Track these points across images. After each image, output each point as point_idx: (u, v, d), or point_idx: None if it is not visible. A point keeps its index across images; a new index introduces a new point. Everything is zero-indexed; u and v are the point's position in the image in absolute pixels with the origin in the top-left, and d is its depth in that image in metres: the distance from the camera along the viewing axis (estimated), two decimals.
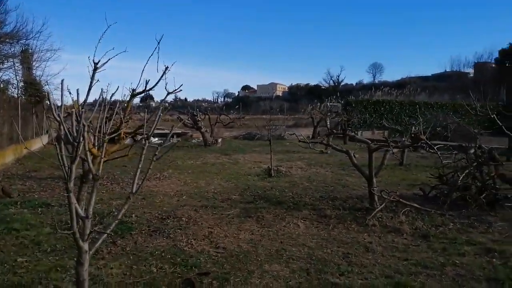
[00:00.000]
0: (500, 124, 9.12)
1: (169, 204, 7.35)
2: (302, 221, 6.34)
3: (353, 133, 13.68)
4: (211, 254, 4.81)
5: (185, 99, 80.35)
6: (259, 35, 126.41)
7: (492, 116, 9.05)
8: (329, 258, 4.75)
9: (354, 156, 7.26)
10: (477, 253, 4.85)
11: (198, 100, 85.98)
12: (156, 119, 2.99)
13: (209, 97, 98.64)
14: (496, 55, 48.11)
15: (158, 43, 3.97)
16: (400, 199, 6.88)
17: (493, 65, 50.63)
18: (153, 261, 4.53)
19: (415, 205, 6.98)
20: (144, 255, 4.72)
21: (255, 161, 13.57)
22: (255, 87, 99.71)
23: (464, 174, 7.15)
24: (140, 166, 2.79)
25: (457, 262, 4.58)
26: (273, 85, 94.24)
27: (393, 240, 5.44)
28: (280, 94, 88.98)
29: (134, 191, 2.84)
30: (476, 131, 9.35)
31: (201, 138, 19.00)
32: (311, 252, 4.95)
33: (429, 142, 6.49)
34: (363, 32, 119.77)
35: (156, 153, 2.87)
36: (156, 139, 15.40)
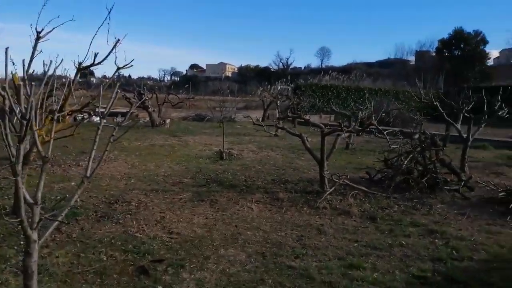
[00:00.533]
0: (442, 111, 9.71)
1: (117, 187, 7.03)
2: (256, 204, 6.35)
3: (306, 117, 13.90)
4: (164, 240, 4.66)
5: (129, 76, 76.96)
6: (208, 16, 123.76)
7: (435, 103, 9.61)
8: (283, 241, 4.80)
9: (307, 140, 7.36)
10: (421, 234, 5.14)
11: (143, 78, 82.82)
12: (113, 96, 2.76)
13: (155, 75, 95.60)
14: (436, 44, 51.01)
15: (109, 12, 3.67)
16: (349, 182, 7.12)
17: (433, 54, 53.60)
18: (102, 249, 4.30)
19: (363, 188, 7.25)
20: (92, 243, 4.47)
21: (205, 143, 13.38)
22: (204, 67, 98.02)
23: (408, 159, 7.52)
24: (94, 147, 2.58)
25: (404, 243, 4.82)
26: (222, 65, 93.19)
27: (343, 222, 5.61)
28: (230, 75, 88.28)
29: (88, 174, 2.63)
30: (419, 117, 9.86)
31: (148, 118, 18.36)
32: (266, 236, 4.97)
33: (379, 127, 6.72)
34: (312, 16, 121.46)
35: (114, 133, 2.66)
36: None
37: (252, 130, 17.02)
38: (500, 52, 62.25)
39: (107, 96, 3.95)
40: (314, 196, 6.81)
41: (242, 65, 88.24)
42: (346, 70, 49.80)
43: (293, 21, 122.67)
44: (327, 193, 6.61)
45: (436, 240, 4.91)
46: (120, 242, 4.52)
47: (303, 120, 8.62)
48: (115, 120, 15.95)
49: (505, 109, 9.24)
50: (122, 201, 6.10)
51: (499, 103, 9.14)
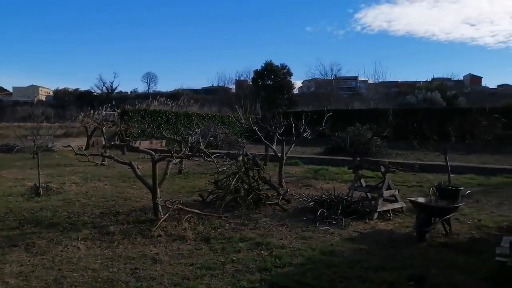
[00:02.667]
0: (259, 134, 10.88)
1: None
2: (83, 242, 5.81)
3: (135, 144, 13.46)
4: None
5: None
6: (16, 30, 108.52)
7: (254, 128, 10.70)
8: (116, 277, 4.53)
9: (138, 168, 7.18)
10: (249, 248, 5.59)
11: None
12: None
13: None
14: (252, 74, 56.82)
15: None
16: (183, 207, 7.23)
17: (250, 83, 59.45)
18: None
19: (196, 210, 7.46)
20: None
21: (16, 178, 11.56)
22: (11, 89, 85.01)
23: (235, 179, 8.12)
24: None
25: (235, 258, 5.15)
26: (34, 88, 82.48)
27: (178, 248, 5.65)
28: (44, 99, 78.78)
29: None
30: (241, 140, 10.81)
31: None
32: (95, 275, 4.60)
33: (206, 151, 7.08)
34: (138, 40, 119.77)
35: None
36: None
37: (74, 160, 15.49)
38: (302, 83, 73.91)
39: None
40: (148, 225, 6.65)
41: (59, 88, 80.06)
42: (174, 95, 50.59)
43: (115, 44, 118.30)
44: (162, 220, 6.55)
45: (262, 252, 5.42)
46: None
47: (132, 147, 8.38)
48: None
49: (308, 131, 10.97)
50: None
51: (303, 126, 10.80)
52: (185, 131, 15.70)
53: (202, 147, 6.99)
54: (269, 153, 14.42)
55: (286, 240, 5.98)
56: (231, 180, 8.52)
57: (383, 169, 7.47)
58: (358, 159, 9.50)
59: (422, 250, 5.56)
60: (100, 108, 24.80)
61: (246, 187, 8.38)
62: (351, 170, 8.27)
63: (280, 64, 53.49)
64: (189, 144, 8.90)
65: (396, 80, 66.81)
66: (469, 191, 7.27)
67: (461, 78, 76.97)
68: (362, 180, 8.05)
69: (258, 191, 8.18)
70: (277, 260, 5.07)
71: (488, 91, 67.74)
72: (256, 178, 8.49)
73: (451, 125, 10.17)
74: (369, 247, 5.66)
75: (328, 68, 73.63)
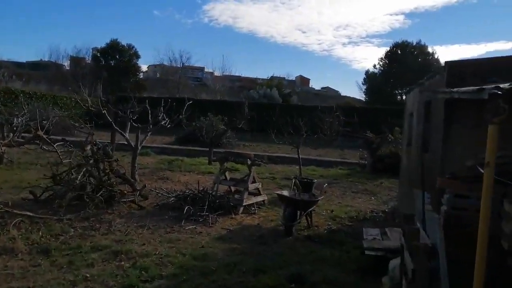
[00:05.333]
0: (110, 119, 9.51)
1: None
2: None
3: None
4: None
5: None
6: None
7: (104, 111, 9.27)
8: None
9: None
10: (105, 259, 4.60)
11: None
12: None
13: None
14: (93, 52, 51.29)
15: None
16: (8, 208, 5.67)
17: (89, 61, 53.64)
18: None
19: (28, 213, 5.96)
20: None
21: None
22: None
23: (82, 173, 6.79)
24: None
25: (88, 275, 4.13)
26: None
27: (5, 266, 4.30)
28: None
29: None
30: (87, 126, 9.22)
31: None
32: None
33: (46, 138, 5.64)
34: None
35: None
36: None
37: None
38: (148, 67, 70.55)
39: None
40: None
41: None
42: None
43: None
44: None
45: (123, 263, 4.52)
46: None
47: None
48: None
49: (166, 119, 10.13)
50: None
51: (161, 113, 9.91)
52: (6, 112, 12.76)
53: (40, 132, 5.54)
54: (116, 142, 12.93)
55: (149, 245, 5.17)
56: (73, 173, 7.13)
57: (249, 162, 7.29)
58: (224, 151, 9.18)
59: (291, 244, 5.54)
60: None
61: (94, 182, 7.13)
62: (217, 162, 7.88)
63: (127, 44, 49.73)
64: (14, 128, 7.11)
65: (239, 75, 70.12)
66: (326, 184, 7.73)
67: (293, 78, 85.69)
68: (227, 173, 7.75)
69: (110, 186, 7.03)
70: (143, 272, 4.26)
71: (313, 92, 77.09)
72: (107, 171, 7.29)
73: (302, 120, 10.78)
74: (241, 246, 5.35)
75: (178, 55, 72.29)
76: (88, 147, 7.17)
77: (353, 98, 54.71)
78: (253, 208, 7.20)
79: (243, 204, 7.01)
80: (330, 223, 6.77)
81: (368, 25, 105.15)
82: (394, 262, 4.03)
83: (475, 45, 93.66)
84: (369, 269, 4.51)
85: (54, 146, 5.80)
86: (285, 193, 6.63)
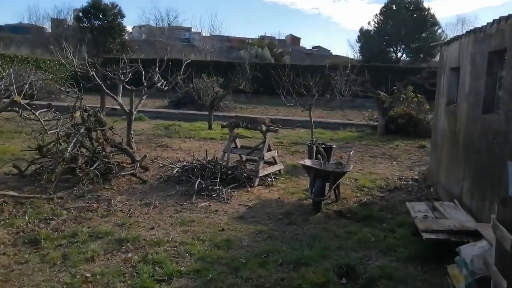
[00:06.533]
0: (100, 82, 8.43)
1: None
2: None
3: None
4: None
5: None
6: None
7: (92, 73, 8.18)
8: None
9: None
10: (107, 251, 3.75)
11: None
12: None
13: None
14: (74, 12, 48.48)
15: None
16: None
17: (71, 23, 50.89)
18: None
19: (11, 192, 5.07)
20: None
21: None
22: None
23: (72, 144, 5.82)
24: None
25: (88, 275, 3.30)
26: None
27: None
28: None
29: None
30: (75, 90, 8.09)
31: None
32: None
33: (25, 105, 4.64)
34: None
35: None
36: None
37: None
38: (133, 28, 67.24)
39: None
40: None
41: None
42: None
43: None
44: None
45: (130, 255, 3.68)
46: None
47: None
48: None
49: (163, 81, 9.05)
50: None
51: (158, 75, 8.81)
52: None
53: (18, 98, 4.52)
54: (106, 106, 11.84)
55: (159, 229, 4.33)
56: (61, 143, 6.17)
57: (264, 128, 6.38)
58: (236, 115, 8.21)
59: (323, 223, 4.75)
60: None
61: (87, 153, 6.19)
62: (225, 128, 6.95)
63: (110, 2, 46.89)
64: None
65: (227, 35, 67.31)
66: (352, 151, 6.90)
67: (284, 38, 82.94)
68: (237, 141, 6.85)
69: (106, 158, 6.10)
70: (157, 268, 3.44)
71: (305, 51, 74.86)
72: (101, 141, 6.33)
73: (312, 80, 9.78)
74: (267, 227, 4.54)
75: (164, 13, 69.08)
76: (78, 114, 6.15)
77: (347, 58, 53.23)
78: (269, 179, 6.37)
79: (259, 176, 6.17)
80: (358, 195, 5.99)
81: None
82: (471, 250, 3.25)
83: None
84: (429, 257, 3.76)
85: (36, 114, 4.79)
86: (308, 162, 5.79)
